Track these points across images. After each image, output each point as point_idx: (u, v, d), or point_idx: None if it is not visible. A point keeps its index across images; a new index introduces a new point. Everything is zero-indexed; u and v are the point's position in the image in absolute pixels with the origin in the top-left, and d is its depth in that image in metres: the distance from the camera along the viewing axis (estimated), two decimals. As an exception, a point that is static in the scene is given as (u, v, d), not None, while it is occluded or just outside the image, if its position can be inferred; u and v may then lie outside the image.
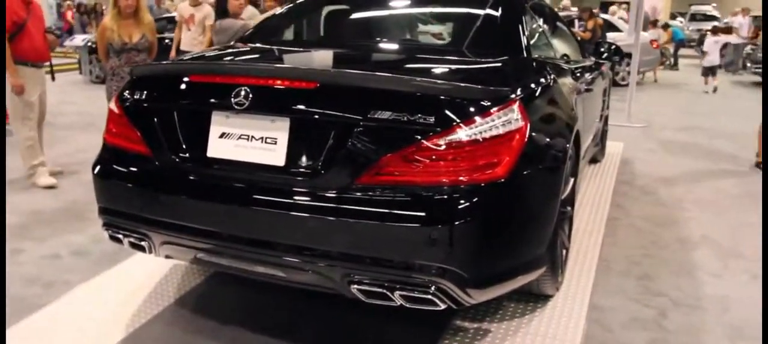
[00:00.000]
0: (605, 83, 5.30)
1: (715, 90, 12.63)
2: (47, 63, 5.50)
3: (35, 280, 3.53)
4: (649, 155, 6.91)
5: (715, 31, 13.53)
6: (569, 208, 3.19)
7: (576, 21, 12.04)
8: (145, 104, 2.60)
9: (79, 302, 3.12)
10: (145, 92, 2.61)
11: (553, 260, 2.73)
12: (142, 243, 2.62)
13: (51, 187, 5.24)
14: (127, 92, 2.68)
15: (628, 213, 4.82)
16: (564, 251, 3.10)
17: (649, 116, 9.33)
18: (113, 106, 2.74)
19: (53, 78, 5.68)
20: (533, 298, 2.99)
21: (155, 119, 2.55)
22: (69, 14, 21.71)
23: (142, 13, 5.30)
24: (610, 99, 5.87)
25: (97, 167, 2.72)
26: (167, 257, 2.72)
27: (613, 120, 6.97)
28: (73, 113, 8.98)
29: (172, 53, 7.52)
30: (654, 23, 16.04)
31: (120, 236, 2.67)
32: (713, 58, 12.77)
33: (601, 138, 5.62)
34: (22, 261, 3.80)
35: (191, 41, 7.40)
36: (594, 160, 5.65)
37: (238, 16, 6.22)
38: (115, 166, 2.68)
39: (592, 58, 4.73)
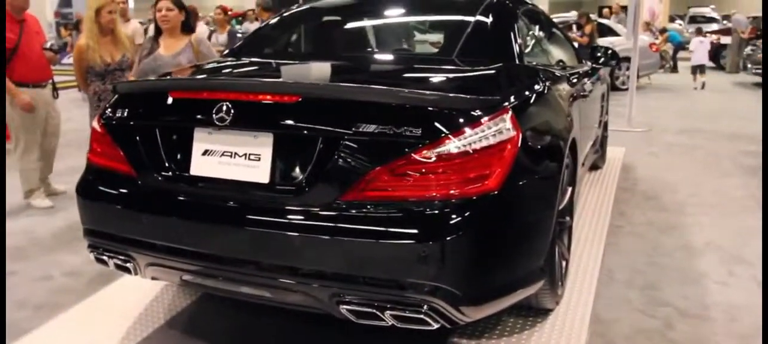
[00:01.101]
0: (603, 88, 5.23)
1: (703, 86, 13.28)
2: (49, 81, 5.24)
3: (26, 303, 3.45)
4: (651, 159, 6.82)
5: (699, 32, 14.76)
6: (568, 218, 3.10)
7: (574, 26, 11.97)
8: (128, 122, 2.54)
9: (67, 326, 3.05)
10: (128, 110, 2.55)
11: (551, 273, 2.65)
12: (128, 265, 2.55)
13: (48, 208, 5.18)
14: (110, 109, 2.62)
15: (631, 220, 4.72)
16: (563, 263, 3.02)
17: (650, 119, 9.24)
18: (96, 125, 2.67)
19: (56, 95, 5.38)
20: (533, 312, 2.90)
21: (138, 138, 2.49)
22: (62, 31, 21.51)
23: (118, 30, 4.87)
24: (609, 104, 5.79)
25: (81, 188, 2.67)
26: (153, 278, 2.65)
27: (613, 125, 6.90)
28: (71, 131, 8.92)
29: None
30: (647, 26, 15.94)
31: (105, 258, 2.60)
32: (699, 56, 13.70)
33: (601, 144, 5.53)
34: (14, 283, 3.73)
35: None
36: (594, 166, 5.57)
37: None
38: (98, 186, 2.62)
39: (589, 63, 4.65)
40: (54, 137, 5.34)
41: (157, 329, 2.97)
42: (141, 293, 3.27)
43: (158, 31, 4.27)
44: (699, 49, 13.73)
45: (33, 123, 5.10)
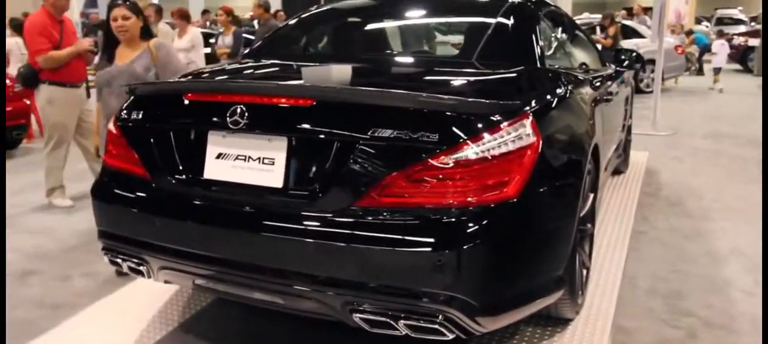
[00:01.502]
0: (627, 92, 5.13)
1: (720, 90, 13.19)
2: (84, 82, 5.35)
3: (43, 303, 3.47)
4: (675, 164, 6.69)
5: (720, 34, 14.87)
6: (589, 225, 3.03)
7: (597, 28, 11.81)
8: (142, 125, 2.52)
9: (82, 327, 3.04)
10: (142, 112, 2.53)
11: (571, 282, 2.58)
12: (141, 268, 2.53)
13: (69, 207, 5.22)
14: (125, 112, 2.60)
15: (654, 226, 4.63)
16: (584, 271, 2.94)
17: (675, 123, 9.08)
18: (111, 126, 2.66)
19: (89, 95, 5.42)
20: (552, 322, 2.83)
21: (152, 140, 2.47)
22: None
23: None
24: (633, 108, 5.69)
25: (96, 190, 2.66)
26: (167, 282, 2.62)
27: (637, 128, 6.77)
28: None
29: None
30: (677, 28, 15.71)
31: (119, 260, 2.59)
32: (720, 58, 13.69)
33: (624, 148, 5.43)
34: (32, 282, 3.75)
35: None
36: (617, 171, 5.46)
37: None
38: (112, 188, 2.60)
39: (613, 66, 4.56)
40: (85, 138, 5.40)
41: (170, 332, 2.95)
42: (155, 295, 3.25)
43: (110, 42, 3.88)
44: (721, 52, 13.78)
45: (67, 121, 5.16)
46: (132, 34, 3.83)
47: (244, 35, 9.18)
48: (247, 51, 3.73)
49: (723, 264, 3.92)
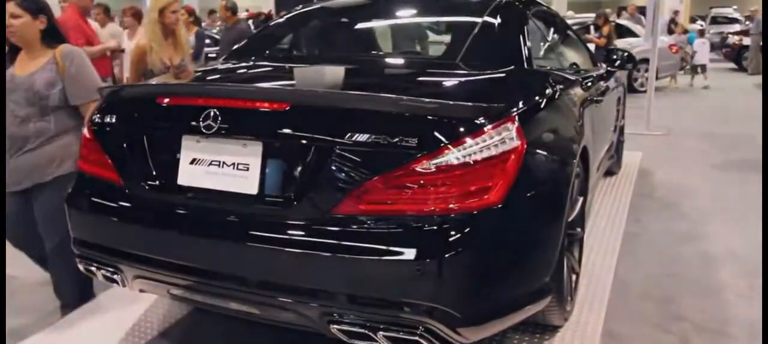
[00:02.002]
0: (619, 92, 5.06)
1: (705, 88, 13.51)
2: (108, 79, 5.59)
3: (28, 308, 3.41)
4: (670, 164, 6.62)
5: (701, 33, 15.23)
6: (578, 229, 2.96)
7: (591, 27, 11.73)
8: (115, 129, 2.44)
9: (61, 334, 2.98)
10: (115, 115, 2.45)
11: (559, 288, 2.51)
12: (115, 277, 2.45)
13: None
14: (98, 115, 2.52)
15: (647, 228, 4.56)
16: (573, 277, 2.87)
17: (669, 123, 9.01)
18: (85, 130, 2.58)
19: None
20: (540, 329, 2.76)
21: (125, 145, 2.39)
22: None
23: (180, 31, 4.32)
24: (625, 108, 5.62)
25: (69, 196, 2.57)
26: (142, 291, 2.54)
27: (631, 128, 6.71)
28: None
29: None
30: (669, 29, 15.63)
31: (93, 268, 2.51)
32: (700, 57, 14.08)
33: (617, 149, 5.36)
34: (14, 288, 3.66)
35: None
36: (610, 172, 5.39)
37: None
38: (86, 194, 2.52)
39: (605, 66, 4.49)
40: None
41: (149, 340, 2.88)
42: (137, 302, 3.17)
43: (13, 46, 3.14)
44: (701, 50, 14.16)
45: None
46: (25, 39, 3.06)
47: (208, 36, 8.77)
48: (215, 56, 3.62)
49: (717, 267, 3.85)
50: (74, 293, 3.28)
